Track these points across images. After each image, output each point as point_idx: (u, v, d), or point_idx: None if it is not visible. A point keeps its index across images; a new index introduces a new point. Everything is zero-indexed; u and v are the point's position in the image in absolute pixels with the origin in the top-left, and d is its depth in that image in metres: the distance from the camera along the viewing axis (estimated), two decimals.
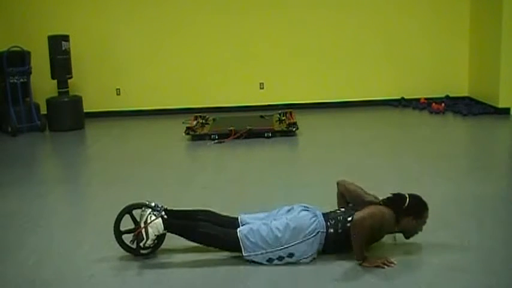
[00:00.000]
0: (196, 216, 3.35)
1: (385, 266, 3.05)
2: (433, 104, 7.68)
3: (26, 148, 6.62)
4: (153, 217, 3.21)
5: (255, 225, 3.21)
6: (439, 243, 3.37)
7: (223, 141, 6.29)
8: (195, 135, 6.46)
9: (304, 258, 3.16)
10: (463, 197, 4.24)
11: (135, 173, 5.28)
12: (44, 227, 3.91)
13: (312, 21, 7.97)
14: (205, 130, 6.65)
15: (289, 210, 3.30)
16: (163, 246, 3.35)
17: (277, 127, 6.62)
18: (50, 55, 7.29)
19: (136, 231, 3.22)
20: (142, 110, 8.15)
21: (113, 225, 3.32)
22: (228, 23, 7.98)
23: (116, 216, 3.33)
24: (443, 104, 7.64)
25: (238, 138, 6.36)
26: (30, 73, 7.34)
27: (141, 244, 3.22)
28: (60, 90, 7.42)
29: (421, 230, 3.27)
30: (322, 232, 3.16)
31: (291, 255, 3.14)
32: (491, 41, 7.37)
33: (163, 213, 3.27)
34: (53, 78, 7.40)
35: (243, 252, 3.16)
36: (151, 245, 3.26)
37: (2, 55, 7.12)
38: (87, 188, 5.03)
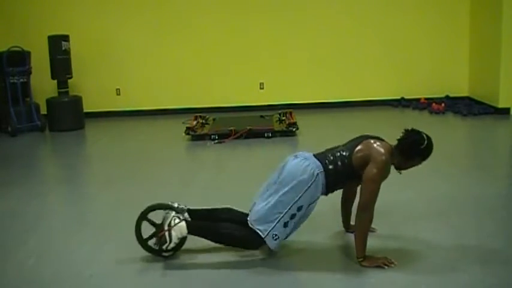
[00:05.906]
0: (218, 216, 3.31)
1: (385, 266, 3.05)
2: (433, 104, 7.68)
3: (26, 148, 6.62)
4: (177, 220, 3.17)
5: (258, 205, 3.15)
6: (439, 243, 3.37)
7: (223, 141, 6.29)
8: (195, 135, 6.46)
9: (312, 204, 3.13)
10: (463, 197, 4.24)
11: (135, 173, 5.27)
12: (44, 227, 3.92)
13: (311, 22, 7.96)
14: (205, 130, 6.65)
15: (283, 167, 3.22)
16: None
17: (277, 127, 6.62)
18: (50, 55, 7.29)
19: (160, 233, 3.17)
20: (142, 110, 8.14)
21: (133, 227, 3.26)
22: (229, 23, 7.97)
23: (133, 215, 3.28)
24: (443, 104, 7.64)
25: (238, 138, 6.35)
26: (30, 73, 7.34)
27: (164, 247, 3.17)
28: (60, 90, 7.42)
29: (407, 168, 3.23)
30: (321, 172, 3.13)
31: (299, 208, 3.09)
32: (491, 41, 7.37)
33: (186, 215, 3.23)
34: (53, 78, 7.40)
35: (262, 235, 3.09)
36: (174, 248, 3.22)
37: (2, 55, 7.12)
38: (87, 188, 5.03)
